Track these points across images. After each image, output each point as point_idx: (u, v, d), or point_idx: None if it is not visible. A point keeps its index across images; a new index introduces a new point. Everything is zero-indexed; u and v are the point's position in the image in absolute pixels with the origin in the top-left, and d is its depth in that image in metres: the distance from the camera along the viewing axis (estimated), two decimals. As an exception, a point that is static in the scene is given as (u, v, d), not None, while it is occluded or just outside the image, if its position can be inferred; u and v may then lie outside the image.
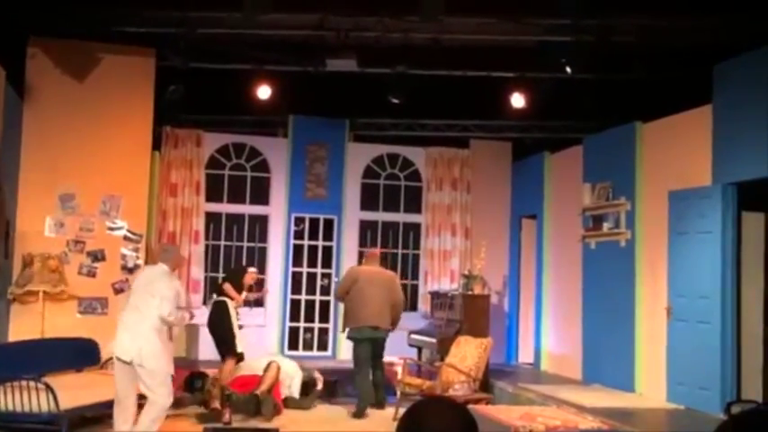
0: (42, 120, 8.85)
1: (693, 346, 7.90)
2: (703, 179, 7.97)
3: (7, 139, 8.16)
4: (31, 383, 6.42)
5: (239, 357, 8.55)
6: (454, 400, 2.10)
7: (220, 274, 11.17)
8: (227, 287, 8.75)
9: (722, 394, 7.44)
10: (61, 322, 8.43)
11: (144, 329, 6.24)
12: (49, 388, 6.36)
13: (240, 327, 8.75)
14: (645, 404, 8.25)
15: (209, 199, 11.21)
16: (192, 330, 10.49)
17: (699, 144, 8.04)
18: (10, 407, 6.39)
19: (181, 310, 6.45)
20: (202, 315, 9.32)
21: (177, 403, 7.47)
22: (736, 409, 6.31)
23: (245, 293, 8.94)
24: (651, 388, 8.57)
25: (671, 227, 8.41)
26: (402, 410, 7.75)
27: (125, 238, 9.19)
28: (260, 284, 10.25)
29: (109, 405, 6.54)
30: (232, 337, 8.51)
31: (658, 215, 8.60)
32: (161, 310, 6.24)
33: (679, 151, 8.42)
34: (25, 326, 8.34)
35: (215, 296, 8.96)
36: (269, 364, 8.58)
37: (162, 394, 6.24)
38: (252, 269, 9.33)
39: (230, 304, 8.64)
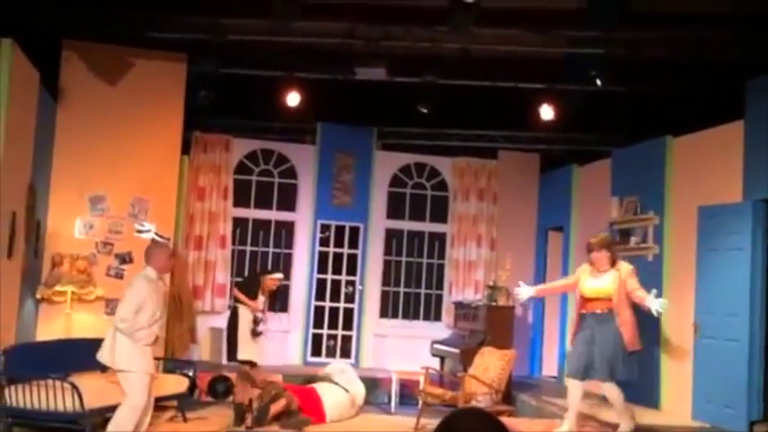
0: (75, 122, 8.97)
1: (721, 363, 7.80)
2: (734, 195, 7.88)
3: (40, 140, 8.28)
4: (57, 382, 6.49)
5: (250, 364, 8.52)
6: (490, 413, 2.12)
7: (246, 280, 11.24)
8: (237, 294, 8.72)
9: (748, 413, 7.33)
10: (88, 323, 8.52)
11: None
12: (74, 387, 6.43)
13: (258, 333, 8.61)
14: (670, 421, 8.15)
15: (236, 204, 11.29)
16: (215, 335, 10.56)
17: (730, 160, 7.95)
18: (36, 405, 6.48)
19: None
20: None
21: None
22: (759, 429, 6.25)
23: (261, 299, 8.82)
24: (676, 405, 8.46)
25: (700, 243, 8.32)
26: (423, 420, 7.78)
27: (153, 241, 9.25)
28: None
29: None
30: (234, 343, 8.50)
31: (687, 230, 8.51)
32: None
33: (710, 167, 8.33)
34: (53, 325, 8.44)
35: (232, 301, 9.00)
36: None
37: None
38: (275, 275, 9.03)
39: (242, 311, 8.60)
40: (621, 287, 6.86)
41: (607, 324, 6.88)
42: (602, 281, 6.98)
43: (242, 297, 8.61)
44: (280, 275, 9.18)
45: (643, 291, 6.95)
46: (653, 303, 6.79)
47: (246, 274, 10.74)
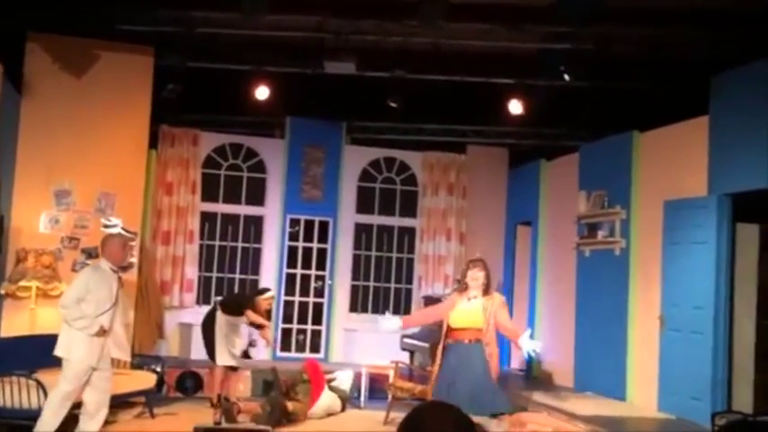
0: (40, 115, 8.83)
1: (686, 355, 7.92)
2: (699, 189, 8.00)
3: (4, 134, 8.15)
4: (22, 379, 6.41)
5: (231, 368, 8.49)
6: (453, 405, 2.12)
7: (214, 274, 11.18)
8: (250, 316, 8.47)
9: (713, 404, 7.45)
10: (53, 318, 8.36)
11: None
12: (39, 384, 6.35)
13: (248, 357, 8.83)
14: (636, 413, 8.27)
15: (204, 198, 11.20)
16: (184, 330, 10.48)
17: (695, 154, 8.07)
18: (0, 402, 6.38)
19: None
20: (196, 315, 9.32)
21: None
22: (721, 421, 6.33)
23: (259, 319, 8.56)
24: (642, 397, 8.58)
25: (665, 236, 8.44)
26: (393, 414, 7.79)
27: (119, 235, 9.14)
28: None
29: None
30: (212, 347, 8.45)
31: (653, 224, 8.62)
32: None
33: (675, 161, 8.45)
34: (17, 321, 8.32)
35: (215, 302, 8.92)
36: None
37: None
38: (267, 294, 8.80)
39: (219, 316, 8.52)
40: (491, 317, 6.36)
41: (475, 354, 6.31)
42: (472, 306, 6.41)
43: (254, 317, 8.43)
44: (271, 293, 8.99)
45: (513, 325, 6.61)
46: (526, 344, 6.34)
47: (228, 300, 10.55)
